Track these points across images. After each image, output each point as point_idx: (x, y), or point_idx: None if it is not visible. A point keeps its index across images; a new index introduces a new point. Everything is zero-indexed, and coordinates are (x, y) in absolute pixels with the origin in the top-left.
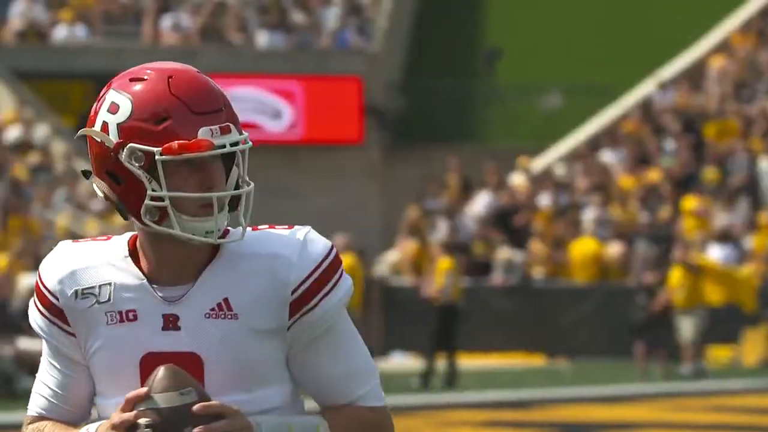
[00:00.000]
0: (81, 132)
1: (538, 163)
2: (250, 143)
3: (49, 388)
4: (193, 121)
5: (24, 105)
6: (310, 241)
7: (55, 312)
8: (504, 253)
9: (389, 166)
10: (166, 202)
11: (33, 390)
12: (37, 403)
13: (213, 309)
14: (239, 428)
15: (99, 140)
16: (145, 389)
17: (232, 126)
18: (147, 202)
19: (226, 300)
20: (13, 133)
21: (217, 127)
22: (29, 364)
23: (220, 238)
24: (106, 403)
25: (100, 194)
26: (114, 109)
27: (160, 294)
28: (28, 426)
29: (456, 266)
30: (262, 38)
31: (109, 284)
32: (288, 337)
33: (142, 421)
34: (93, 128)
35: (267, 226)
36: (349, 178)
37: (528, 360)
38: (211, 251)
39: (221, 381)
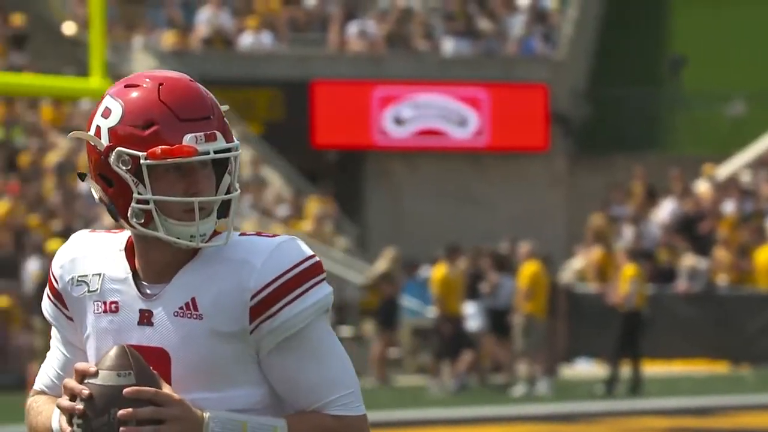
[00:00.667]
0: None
1: (723, 171)
2: (239, 152)
3: (53, 368)
4: (179, 127)
5: None
6: (281, 250)
7: (57, 296)
8: (688, 260)
9: (574, 174)
10: (151, 206)
11: (41, 367)
12: (41, 380)
13: (181, 308)
14: (172, 417)
15: (93, 143)
16: (94, 366)
17: (218, 134)
18: (133, 204)
19: (193, 300)
20: None
21: (202, 134)
22: None
23: (206, 242)
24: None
25: (96, 196)
26: (107, 113)
27: (141, 290)
28: (29, 398)
29: (641, 273)
30: (448, 45)
31: (100, 275)
32: (251, 341)
33: (79, 392)
34: (88, 132)
35: (255, 233)
36: (534, 185)
37: (711, 367)
38: (193, 254)
39: (187, 378)
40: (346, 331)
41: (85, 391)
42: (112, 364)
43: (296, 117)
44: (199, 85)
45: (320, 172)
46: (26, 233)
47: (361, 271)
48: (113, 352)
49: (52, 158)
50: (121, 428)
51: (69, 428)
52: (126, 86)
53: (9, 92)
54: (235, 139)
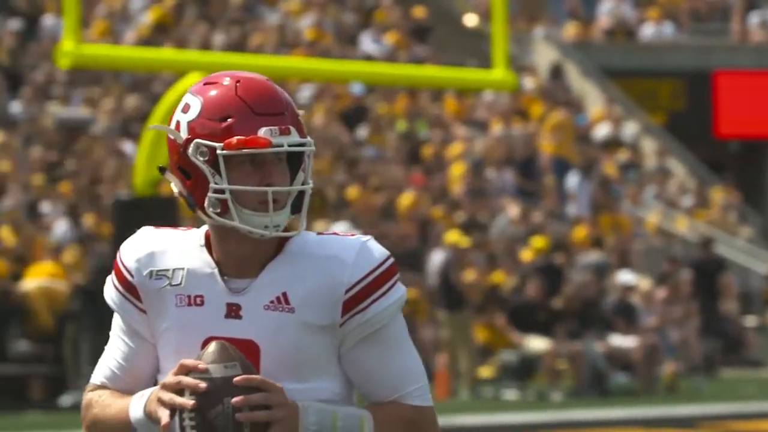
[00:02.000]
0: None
1: None
2: (313, 148)
3: (116, 359)
4: (255, 120)
5: (612, 103)
6: (367, 248)
7: (129, 288)
8: None
9: None
10: (227, 195)
11: (100, 360)
12: (102, 372)
13: (272, 301)
14: (277, 403)
15: (172, 137)
16: (203, 363)
17: (292, 128)
18: (210, 194)
19: (284, 294)
20: (602, 131)
21: (276, 127)
22: (621, 361)
23: (280, 233)
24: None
25: (175, 190)
26: (186, 108)
27: (226, 284)
28: (89, 392)
29: None
30: None
31: (183, 269)
32: (339, 334)
33: (195, 386)
34: (169, 127)
35: (333, 232)
36: None
37: None
38: (274, 249)
39: (276, 368)
40: (751, 320)
41: (202, 385)
42: (216, 357)
43: (698, 107)
44: (276, 86)
45: (723, 162)
46: (430, 225)
47: (765, 261)
48: (214, 347)
49: (455, 150)
50: (237, 414)
51: (169, 420)
52: (205, 84)
53: (412, 84)
54: (308, 137)
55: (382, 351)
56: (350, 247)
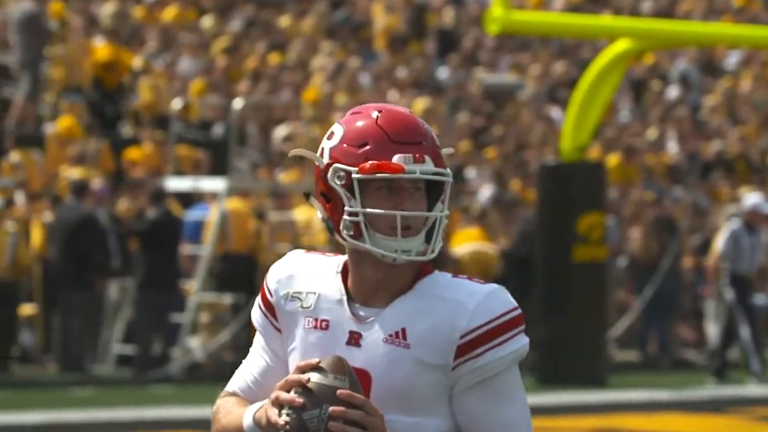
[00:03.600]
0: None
1: None
2: (450, 179)
3: (251, 373)
4: (391, 148)
5: None
6: (492, 297)
7: (269, 307)
8: None
9: None
10: (360, 218)
11: (237, 371)
12: (236, 383)
13: (391, 335)
14: (373, 426)
15: (316, 163)
16: (315, 361)
17: (427, 157)
18: (344, 217)
19: (403, 330)
20: None
21: (411, 155)
22: None
23: (410, 258)
24: None
25: (319, 216)
26: (331, 136)
27: (353, 311)
28: (220, 398)
29: None
30: None
31: (315, 293)
32: (451, 377)
33: (302, 380)
34: (313, 153)
35: (466, 277)
36: None
37: None
38: (408, 285)
39: (385, 399)
40: None
41: (305, 378)
42: (330, 366)
43: None
44: (418, 118)
45: None
46: None
47: None
48: (331, 358)
49: None
50: (331, 423)
51: (278, 419)
52: (352, 114)
53: None
54: (448, 169)
55: (491, 400)
56: (476, 293)
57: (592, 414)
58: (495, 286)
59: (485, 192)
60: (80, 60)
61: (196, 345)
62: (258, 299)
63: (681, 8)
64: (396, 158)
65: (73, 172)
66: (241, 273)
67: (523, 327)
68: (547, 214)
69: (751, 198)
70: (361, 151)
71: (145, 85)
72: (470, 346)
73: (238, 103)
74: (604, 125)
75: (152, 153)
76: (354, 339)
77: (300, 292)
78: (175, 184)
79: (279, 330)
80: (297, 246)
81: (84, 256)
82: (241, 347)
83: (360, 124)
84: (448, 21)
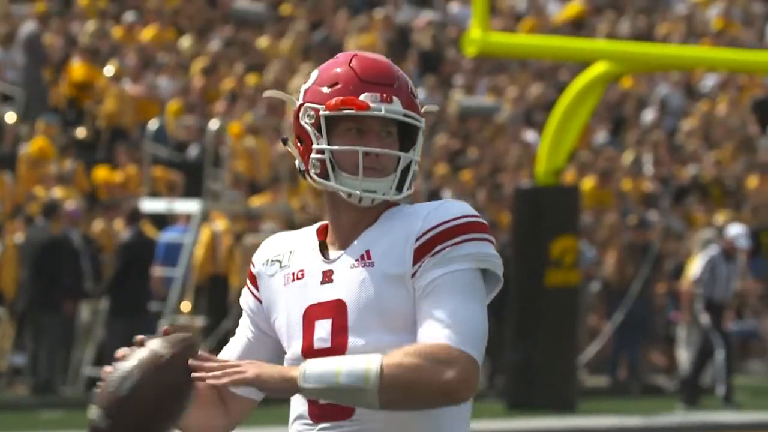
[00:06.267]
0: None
1: None
2: (421, 125)
3: (235, 349)
4: (359, 87)
5: None
6: (446, 205)
7: (252, 279)
8: None
9: None
10: (326, 155)
11: (224, 349)
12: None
13: (357, 260)
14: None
15: (290, 104)
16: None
17: (396, 99)
18: (312, 155)
19: (368, 251)
20: None
21: (378, 94)
22: None
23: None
24: (286, 360)
25: (296, 163)
26: (307, 79)
27: (325, 256)
28: None
29: None
30: None
31: (291, 251)
32: (411, 286)
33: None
34: (287, 94)
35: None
36: None
37: None
38: (375, 218)
39: (364, 323)
40: None
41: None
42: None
43: None
44: (394, 65)
45: None
46: None
47: None
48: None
49: None
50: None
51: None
52: (330, 60)
53: None
54: (420, 117)
55: (440, 295)
56: (430, 205)
57: None
58: (454, 200)
59: None
60: (55, 80)
61: None
62: (247, 279)
63: (659, 31)
64: (363, 96)
65: (52, 192)
66: (213, 296)
67: (485, 235)
68: (521, 238)
69: (733, 228)
70: (330, 90)
71: (117, 104)
72: (425, 247)
73: (214, 124)
74: (579, 148)
75: (127, 174)
76: (326, 276)
77: (278, 254)
78: (150, 205)
79: (259, 300)
80: None
81: (55, 277)
82: None
83: (333, 65)
84: (427, 42)
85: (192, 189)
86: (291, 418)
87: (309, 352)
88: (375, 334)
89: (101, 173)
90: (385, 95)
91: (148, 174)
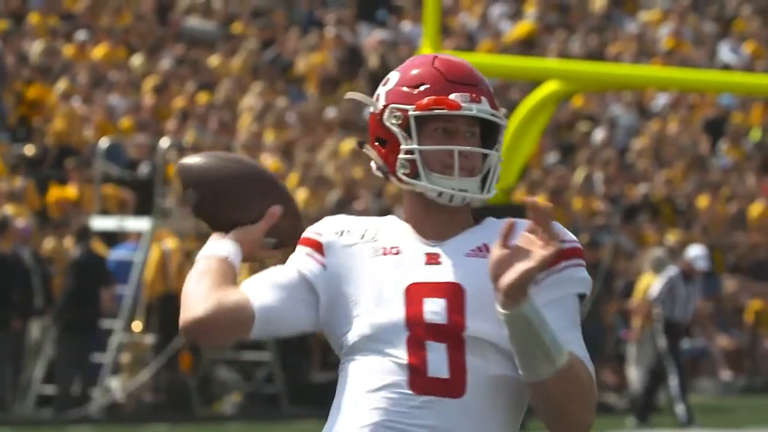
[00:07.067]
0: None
1: None
2: (505, 123)
3: (266, 276)
4: (447, 87)
5: None
6: (557, 225)
7: (316, 246)
8: None
9: None
10: (417, 155)
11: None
12: (248, 284)
13: (473, 250)
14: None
15: (371, 107)
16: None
17: (484, 98)
18: (400, 156)
19: (485, 245)
20: None
21: (467, 94)
22: None
23: (467, 201)
24: (361, 330)
25: (373, 166)
26: (386, 82)
27: (422, 240)
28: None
29: None
30: None
31: (376, 229)
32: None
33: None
34: (368, 97)
35: None
36: None
37: None
38: (470, 223)
39: (482, 310)
40: None
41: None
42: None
43: None
44: (475, 68)
45: None
46: None
47: None
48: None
49: None
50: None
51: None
52: (409, 61)
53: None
54: (502, 116)
55: (563, 319)
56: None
57: None
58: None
59: None
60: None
61: (116, 385)
62: (297, 250)
63: (611, 50)
64: (452, 96)
65: (3, 210)
66: (164, 314)
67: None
68: None
69: (692, 250)
70: (417, 91)
71: (67, 122)
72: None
73: (164, 142)
74: (529, 167)
75: (77, 192)
76: (432, 259)
77: (355, 229)
78: (100, 223)
79: (323, 265)
80: None
81: (5, 295)
82: (161, 388)
83: (415, 67)
84: (377, 63)
85: (143, 207)
86: (367, 388)
87: (417, 321)
88: (491, 323)
89: (54, 191)
90: (474, 95)
91: (98, 192)
